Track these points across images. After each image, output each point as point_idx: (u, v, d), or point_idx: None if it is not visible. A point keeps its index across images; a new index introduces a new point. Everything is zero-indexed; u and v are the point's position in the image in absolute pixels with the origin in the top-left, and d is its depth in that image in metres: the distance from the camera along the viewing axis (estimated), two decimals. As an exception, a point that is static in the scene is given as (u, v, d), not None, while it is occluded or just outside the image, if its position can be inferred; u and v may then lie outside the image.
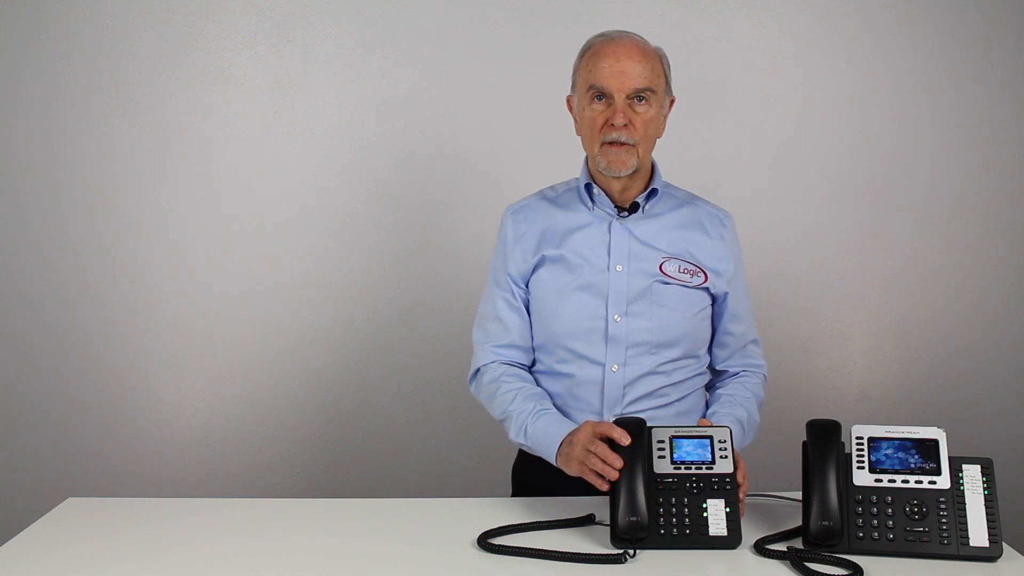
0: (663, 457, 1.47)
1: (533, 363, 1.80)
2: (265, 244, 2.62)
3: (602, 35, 1.71)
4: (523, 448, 1.71)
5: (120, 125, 2.58)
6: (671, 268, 1.71)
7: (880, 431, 1.46)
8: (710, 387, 1.85)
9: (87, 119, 2.57)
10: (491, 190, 2.59)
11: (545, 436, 1.62)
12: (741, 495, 1.47)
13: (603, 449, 1.46)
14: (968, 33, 2.62)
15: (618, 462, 1.44)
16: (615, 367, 1.70)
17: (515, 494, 1.86)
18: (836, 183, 2.65)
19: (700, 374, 1.79)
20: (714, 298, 1.76)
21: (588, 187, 1.75)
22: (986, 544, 1.38)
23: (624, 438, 1.45)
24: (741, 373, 1.81)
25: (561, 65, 2.57)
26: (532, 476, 1.79)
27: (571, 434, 1.56)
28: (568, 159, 2.57)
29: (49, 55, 2.55)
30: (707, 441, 1.48)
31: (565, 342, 1.72)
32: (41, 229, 2.61)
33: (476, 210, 2.61)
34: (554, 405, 1.73)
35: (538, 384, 1.77)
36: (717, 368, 1.83)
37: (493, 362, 1.77)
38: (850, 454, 1.45)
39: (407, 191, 2.62)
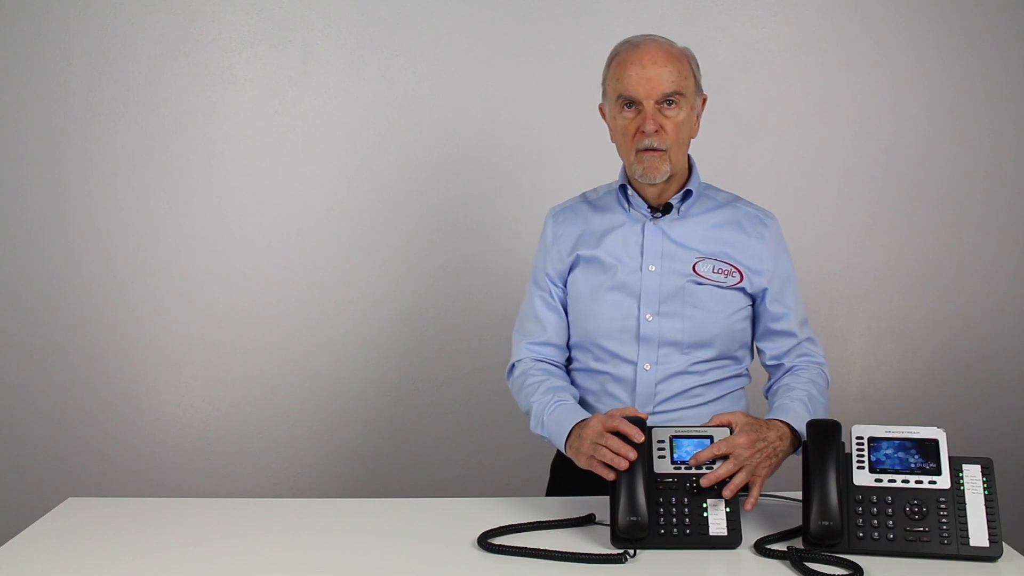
0: (663, 457, 1.47)
1: (571, 361, 1.82)
2: (265, 244, 2.62)
3: (627, 42, 1.71)
4: (543, 439, 1.72)
5: (120, 125, 2.58)
6: (705, 268, 1.71)
7: (880, 431, 1.46)
8: (768, 388, 1.79)
9: (87, 119, 2.57)
10: (492, 190, 2.60)
11: (558, 426, 1.63)
12: (731, 487, 1.45)
13: (615, 442, 1.45)
14: (968, 33, 2.62)
15: (632, 453, 1.44)
16: (647, 366, 1.71)
17: (551, 489, 1.88)
18: (836, 183, 2.65)
19: (739, 376, 1.78)
20: (753, 298, 1.75)
21: (623, 188, 1.76)
22: (986, 544, 1.38)
23: (638, 435, 1.45)
24: (794, 368, 1.76)
25: (562, 64, 2.58)
26: (569, 472, 1.77)
27: (580, 427, 1.56)
28: (568, 159, 2.58)
29: (49, 55, 2.55)
30: (707, 441, 1.48)
31: (599, 341, 1.73)
32: (41, 229, 2.61)
33: (476, 210, 2.61)
34: (588, 402, 1.75)
35: (574, 382, 1.79)
36: (778, 363, 1.77)
37: (526, 358, 1.80)
38: (850, 454, 1.45)
39: (407, 191, 2.62)
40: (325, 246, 2.63)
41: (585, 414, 1.61)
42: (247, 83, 2.58)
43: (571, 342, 1.81)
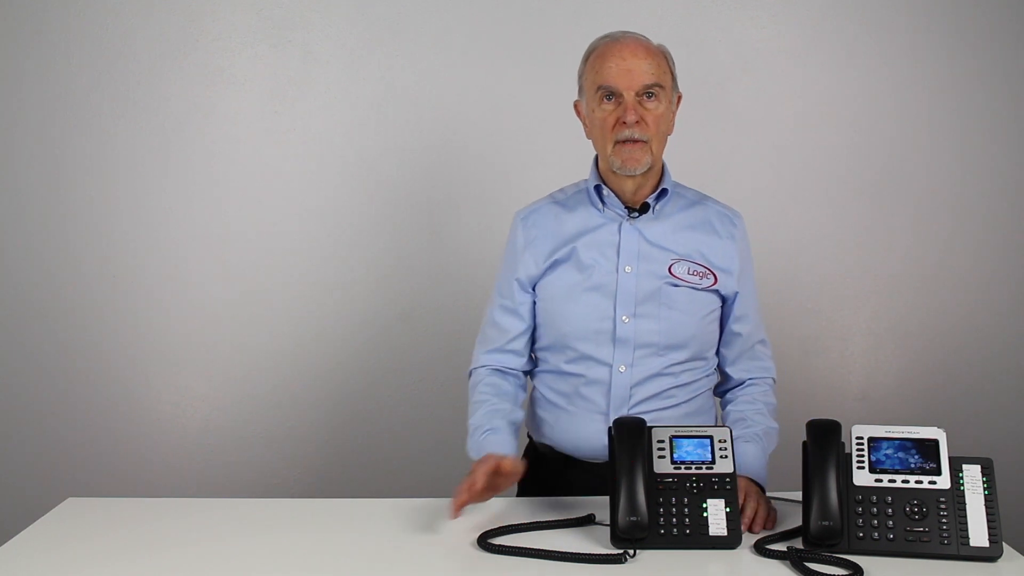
0: (663, 457, 1.47)
1: (536, 364, 1.81)
2: (265, 244, 2.62)
3: (605, 36, 1.71)
4: None
5: (120, 125, 2.58)
6: (680, 270, 1.71)
7: (880, 431, 1.46)
8: (719, 393, 1.84)
9: (87, 119, 2.57)
10: (492, 190, 2.59)
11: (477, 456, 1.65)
12: (754, 524, 1.50)
13: (474, 476, 1.50)
14: (968, 33, 2.62)
15: (477, 483, 1.50)
16: (622, 368, 1.70)
17: (520, 491, 1.87)
18: (836, 183, 2.65)
19: (708, 376, 1.79)
20: (724, 299, 1.75)
21: (598, 188, 1.75)
22: (986, 544, 1.38)
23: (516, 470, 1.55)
24: (748, 382, 1.79)
25: (562, 64, 2.57)
26: (537, 473, 1.79)
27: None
28: (568, 158, 2.57)
29: (49, 55, 2.55)
30: (707, 441, 1.48)
31: (573, 343, 1.72)
32: (41, 229, 2.61)
33: (476, 210, 2.61)
34: (561, 405, 1.75)
35: (546, 384, 1.78)
36: (725, 370, 1.81)
37: (483, 367, 1.79)
38: (850, 454, 1.45)
39: (407, 191, 2.62)
40: (325, 246, 2.63)
41: (503, 449, 1.61)
42: (247, 83, 2.58)
43: (542, 344, 1.78)
